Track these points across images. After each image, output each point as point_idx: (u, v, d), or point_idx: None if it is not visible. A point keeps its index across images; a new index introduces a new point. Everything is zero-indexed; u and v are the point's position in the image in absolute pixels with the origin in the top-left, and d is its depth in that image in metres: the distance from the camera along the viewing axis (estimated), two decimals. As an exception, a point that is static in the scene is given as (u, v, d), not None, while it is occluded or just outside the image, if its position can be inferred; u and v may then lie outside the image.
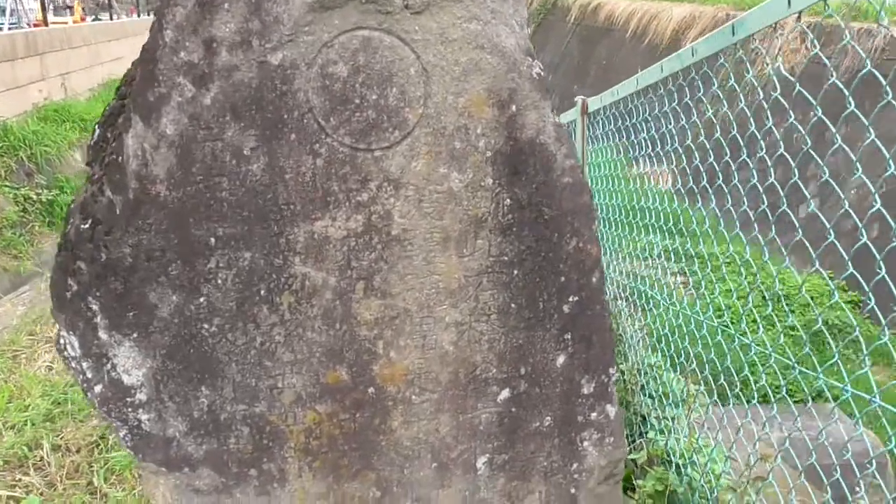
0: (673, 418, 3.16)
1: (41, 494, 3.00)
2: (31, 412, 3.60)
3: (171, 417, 1.87)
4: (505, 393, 1.94)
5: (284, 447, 1.92)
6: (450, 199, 1.77)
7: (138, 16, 18.92)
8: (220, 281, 1.78)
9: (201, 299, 1.79)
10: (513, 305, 1.87)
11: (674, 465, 2.69)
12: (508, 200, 1.79)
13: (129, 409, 1.87)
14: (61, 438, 3.39)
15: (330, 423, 1.91)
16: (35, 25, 15.00)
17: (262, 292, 1.79)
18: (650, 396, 3.30)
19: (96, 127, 1.98)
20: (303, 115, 1.69)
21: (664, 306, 3.49)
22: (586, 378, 1.95)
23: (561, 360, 1.93)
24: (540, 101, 1.75)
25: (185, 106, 1.66)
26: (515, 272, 1.84)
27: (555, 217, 1.82)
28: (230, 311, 1.80)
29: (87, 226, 1.78)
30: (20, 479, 3.09)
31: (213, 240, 1.75)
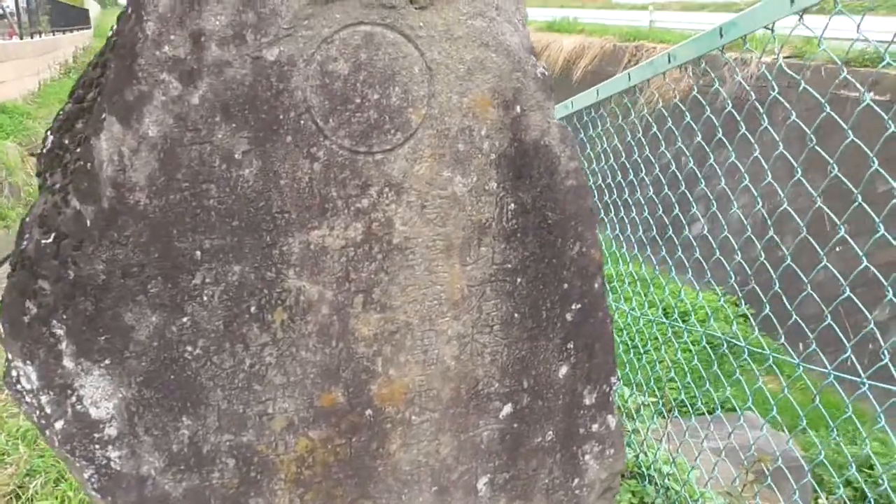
0: (632, 431, 3.16)
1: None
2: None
3: (146, 453, 1.68)
4: (507, 408, 1.85)
5: (274, 479, 1.75)
6: (453, 204, 1.69)
7: (20, 38, 17.85)
8: (206, 298, 1.62)
9: (185, 319, 1.62)
10: (516, 315, 1.79)
11: (645, 476, 2.68)
12: (513, 205, 1.72)
13: (97, 447, 1.67)
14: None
15: (324, 449, 1.76)
16: None
17: (253, 309, 1.64)
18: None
19: (48, 133, 1.79)
20: (300, 116, 1.57)
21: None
22: (588, 388, 1.89)
23: (564, 370, 1.86)
24: (544, 102, 1.70)
25: (170, 105, 1.51)
26: (519, 280, 1.77)
27: (559, 221, 1.76)
28: (217, 332, 1.64)
29: (49, 240, 1.58)
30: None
31: (198, 253, 1.59)
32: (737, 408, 4.49)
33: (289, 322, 1.67)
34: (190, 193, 1.56)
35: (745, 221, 4.00)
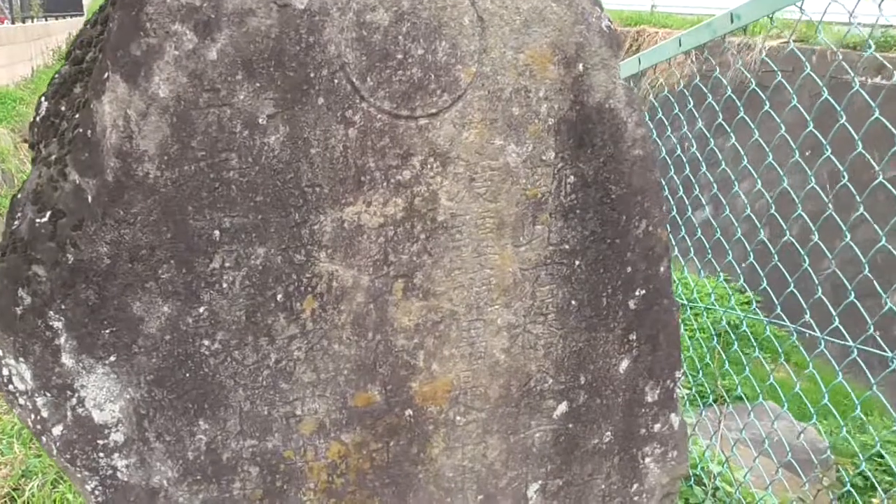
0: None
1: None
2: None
3: (157, 462, 1.48)
4: (562, 407, 1.65)
5: (302, 489, 1.55)
6: (506, 176, 1.48)
7: (12, 23, 17.44)
8: (225, 285, 1.41)
9: (201, 309, 1.41)
10: (573, 302, 1.59)
11: (691, 476, 2.49)
12: (572, 177, 1.52)
13: (101, 455, 1.46)
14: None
15: (358, 455, 1.56)
16: None
17: (279, 297, 1.44)
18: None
19: (41, 100, 1.58)
20: (333, 74, 1.36)
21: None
22: (651, 384, 1.70)
23: (624, 364, 1.66)
24: (610, 59, 1.49)
25: (184, 61, 1.30)
26: (577, 263, 1.57)
27: (623, 196, 1.56)
28: (238, 323, 1.43)
29: (45, 219, 1.37)
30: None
31: (217, 233, 1.38)
32: (744, 397, 4.32)
33: (320, 311, 1.46)
34: (207, 164, 1.35)
35: (748, 208, 3.85)
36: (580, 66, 1.47)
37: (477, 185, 1.47)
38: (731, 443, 2.82)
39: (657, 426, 1.73)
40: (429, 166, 1.44)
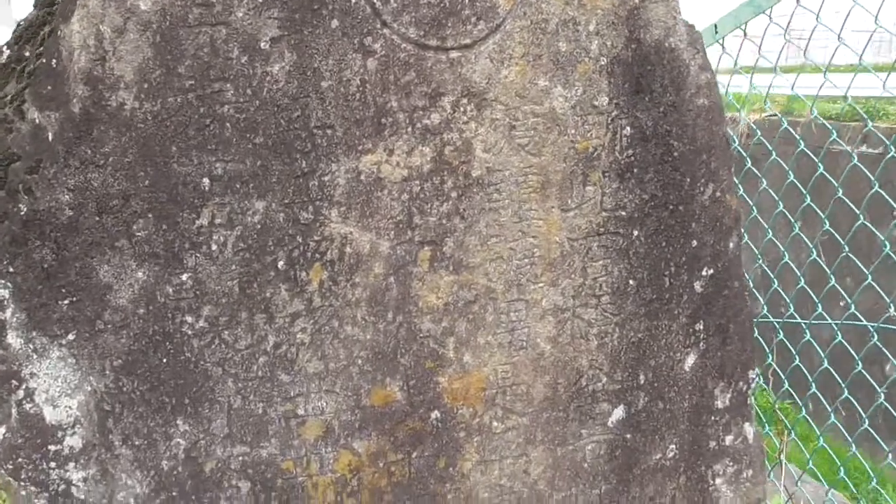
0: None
1: None
2: None
3: (123, 473, 1.18)
4: (618, 412, 1.37)
5: (304, 512, 1.25)
6: (552, 125, 1.25)
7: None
8: (215, 247, 1.15)
9: (184, 277, 1.15)
10: (631, 282, 1.33)
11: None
12: (629, 129, 1.28)
13: (53, 465, 1.17)
14: None
15: (373, 469, 1.27)
16: None
17: (281, 265, 1.17)
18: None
19: (3, 48, 1.35)
20: (350, -9, 1.14)
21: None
22: (721, 386, 1.42)
23: (690, 360, 1.39)
24: (670, -9, 1.28)
25: (172, -33, 1.08)
26: (635, 234, 1.32)
27: (686, 154, 1.32)
28: (229, 296, 1.17)
29: (-6, 166, 1.12)
30: None
31: (206, 181, 1.13)
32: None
33: (329, 284, 1.20)
34: (196, 96, 1.11)
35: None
36: (636, -3, 1.26)
37: (518, 134, 1.24)
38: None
39: (729, 438, 1.44)
40: (461, 109, 1.21)
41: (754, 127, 3.64)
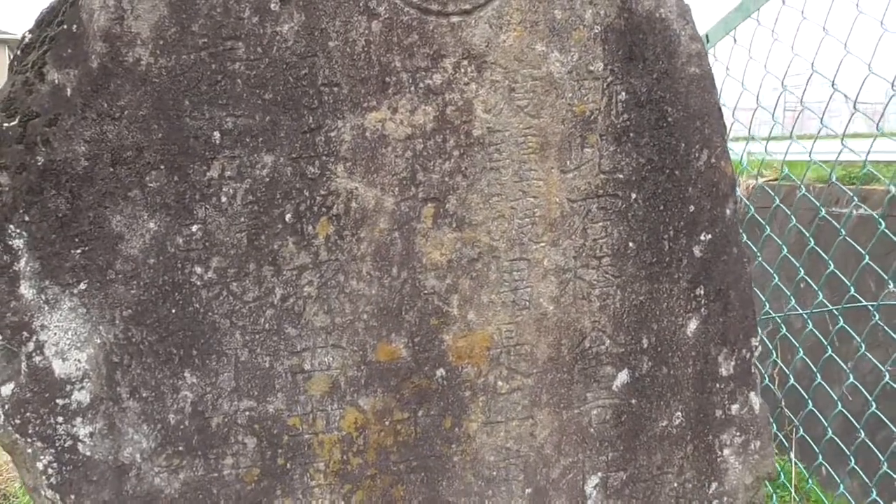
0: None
1: None
2: None
3: (130, 427, 1.18)
4: (623, 376, 1.37)
5: (310, 470, 1.25)
6: (549, 88, 1.30)
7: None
8: (224, 199, 1.18)
9: (194, 228, 1.18)
10: (630, 244, 1.36)
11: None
12: (623, 94, 1.33)
13: (60, 420, 1.17)
14: None
15: (379, 427, 1.27)
16: None
17: (288, 218, 1.21)
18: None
19: (26, 34, 1.42)
20: (356, -42, 1.21)
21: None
22: (724, 353, 1.43)
23: (693, 325, 1.40)
24: (659, -36, 1.35)
25: (188, -68, 1.15)
26: (633, 196, 1.35)
27: (680, 120, 1.37)
28: (237, 248, 1.19)
29: (13, 122, 1.16)
30: None
31: (217, 134, 1.17)
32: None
33: (336, 238, 1.23)
34: (209, 53, 1.17)
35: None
36: (627, -31, 1.33)
37: (517, 96, 1.28)
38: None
39: (735, 407, 1.44)
40: (462, 70, 1.26)
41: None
